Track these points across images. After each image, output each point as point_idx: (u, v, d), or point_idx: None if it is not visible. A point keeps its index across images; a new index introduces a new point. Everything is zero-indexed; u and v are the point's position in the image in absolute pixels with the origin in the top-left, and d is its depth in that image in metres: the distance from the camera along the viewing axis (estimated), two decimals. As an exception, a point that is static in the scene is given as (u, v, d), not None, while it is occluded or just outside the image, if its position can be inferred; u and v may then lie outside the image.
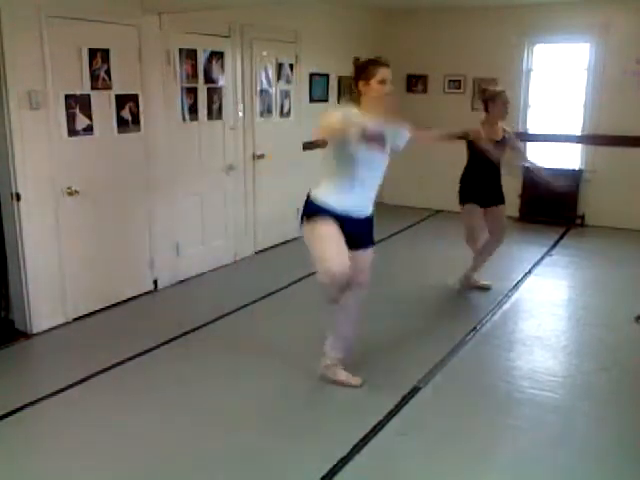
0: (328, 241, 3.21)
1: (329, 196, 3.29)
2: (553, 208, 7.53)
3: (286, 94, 6.50)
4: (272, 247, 6.48)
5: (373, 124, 2.97)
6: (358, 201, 3.34)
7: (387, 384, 3.64)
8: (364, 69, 3.25)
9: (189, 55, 5.26)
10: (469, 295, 5.19)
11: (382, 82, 3.22)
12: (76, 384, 3.65)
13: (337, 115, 3.03)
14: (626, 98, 7.01)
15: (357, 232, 3.34)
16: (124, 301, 4.96)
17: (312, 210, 3.32)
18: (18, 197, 4.17)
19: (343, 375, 3.60)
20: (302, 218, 3.38)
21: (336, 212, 3.25)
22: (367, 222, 3.44)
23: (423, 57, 7.97)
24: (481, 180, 5.11)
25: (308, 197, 3.40)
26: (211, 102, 5.53)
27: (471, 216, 5.12)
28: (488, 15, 7.47)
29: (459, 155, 8.04)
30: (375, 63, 3.26)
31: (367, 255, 3.47)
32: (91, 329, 4.52)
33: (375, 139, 3.00)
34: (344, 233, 3.24)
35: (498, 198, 5.28)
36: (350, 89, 3.40)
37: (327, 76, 7.18)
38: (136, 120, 4.85)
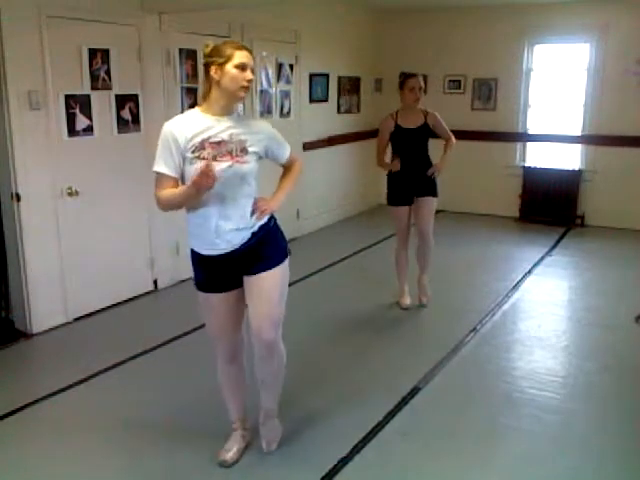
0: None
1: None
2: (553, 208, 7.53)
3: (286, 94, 6.50)
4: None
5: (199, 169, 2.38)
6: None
7: (387, 384, 3.64)
8: (219, 51, 2.53)
9: (189, 55, 5.26)
10: (469, 296, 5.18)
11: (239, 67, 2.51)
12: (76, 384, 3.65)
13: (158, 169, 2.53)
14: (626, 98, 7.01)
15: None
16: (124, 301, 4.96)
17: None
18: (18, 197, 4.17)
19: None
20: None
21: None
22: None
23: (423, 57, 7.96)
24: (406, 170, 4.62)
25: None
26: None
27: (396, 217, 4.79)
28: (488, 15, 7.47)
29: (459, 155, 8.06)
30: (231, 44, 2.57)
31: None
32: (91, 329, 4.52)
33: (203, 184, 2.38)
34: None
35: (426, 189, 4.70)
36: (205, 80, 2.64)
37: (327, 76, 7.19)
38: (136, 120, 4.85)
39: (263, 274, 2.70)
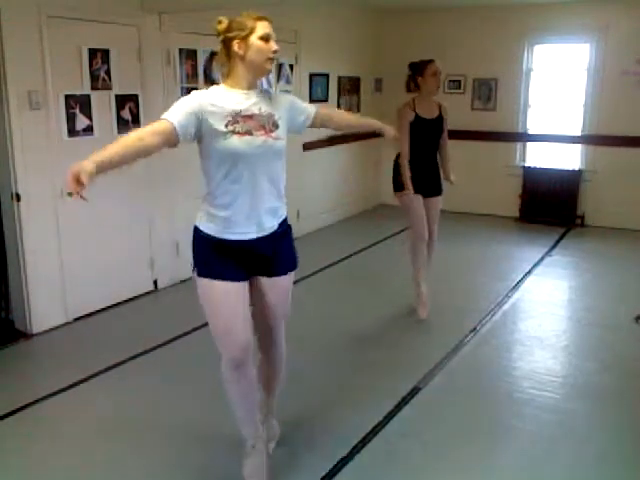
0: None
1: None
2: (553, 208, 7.53)
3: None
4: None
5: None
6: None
7: (387, 385, 3.64)
8: (239, 24, 2.41)
9: (189, 55, 5.26)
10: (469, 296, 5.18)
11: (264, 38, 2.42)
12: (76, 384, 3.65)
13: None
14: (626, 98, 7.01)
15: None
16: (124, 301, 4.96)
17: None
18: (18, 197, 4.17)
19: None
20: None
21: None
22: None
23: (423, 57, 7.92)
24: (418, 166, 4.41)
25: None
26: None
27: (415, 207, 4.47)
28: (488, 15, 7.47)
29: (459, 155, 8.06)
30: (250, 16, 2.45)
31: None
32: (91, 329, 4.52)
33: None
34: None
35: (436, 188, 4.59)
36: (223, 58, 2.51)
37: (327, 76, 7.19)
38: (136, 120, 4.85)
39: (281, 278, 2.62)
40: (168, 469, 2.90)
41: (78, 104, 4.41)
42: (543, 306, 4.95)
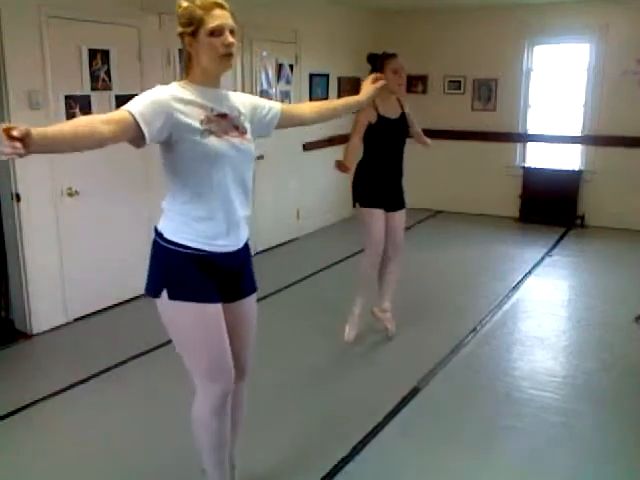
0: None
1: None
2: (553, 208, 7.53)
3: (286, 94, 6.50)
4: (272, 248, 6.48)
5: None
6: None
7: (387, 384, 3.64)
8: (189, 15, 2.03)
9: (189, 55, 5.26)
10: (468, 296, 5.18)
11: (215, 32, 2.01)
12: (76, 384, 3.65)
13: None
14: (626, 98, 7.01)
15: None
16: (124, 301, 4.96)
17: None
18: (18, 197, 4.18)
19: None
20: None
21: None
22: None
23: (423, 57, 7.96)
24: (381, 177, 4.01)
25: None
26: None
27: (377, 224, 4.01)
28: (488, 15, 7.47)
29: (459, 155, 8.07)
30: (201, 2, 2.03)
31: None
32: (91, 329, 4.52)
33: None
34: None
35: (400, 201, 4.14)
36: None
37: (327, 76, 7.19)
38: (136, 120, 4.84)
39: (251, 298, 2.32)
40: (169, 469, 2.89)
41: (78, 104, 4.41)
42: (543, 306, 4.96)
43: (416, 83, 8.14)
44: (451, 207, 8.19)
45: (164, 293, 2.10)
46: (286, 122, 2.43)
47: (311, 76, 6.91)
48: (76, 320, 4.62)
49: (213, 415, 2.23)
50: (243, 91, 5.90)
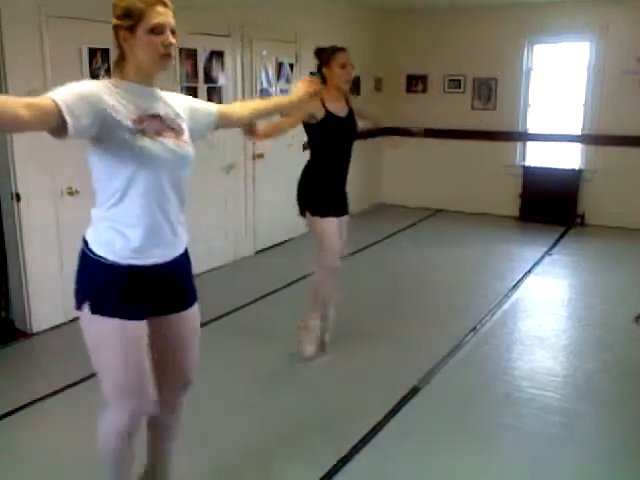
0: None
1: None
2: (553, 208, 7.53)
3: (286, 94, 6.49)
4: (272, 247, 6.49)
5: None
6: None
7: (386, 384, 3.64)
8: (127, 8, 1.92)
9: (189, 55, 5.26)
10: (468, 295, 5.18)
11: (155, 30, 1.91)
12: (76, 384, 3.65)
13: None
14: (626, 97, 7.01)
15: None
16: (124, 301, 4.96)
17: None
18: (18, 197, 4.17)
19: None
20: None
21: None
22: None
23: (423, 57, 7.97)
24: (331, 181, 3.77)
25: None
26: (211, 102, 5.52)
27: (333, 232, 3.70)
28: (488, 14, 7.48)
29: (459, 155, 8.07)
30: None
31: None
32: (91, 329, 4.52)
33: None
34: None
35: (346, 205, 3.89)
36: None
37: (327, 76, 7.18)
38: (136, 120, 4.84)
39: (192, 308, 2.20)
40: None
41: (78, 104, 4.40)
42: (543, 305, 4.96)
43: (416, 82, 8.15)
44: (451, 206, 8.19)
45: (86, 306, 2.02)
46: (223, 123, 2.35)
47: (311, 76, 6.90)
48: (76, 319, 4.60)
49: (118, 440, 2.16)
50: (243, 90, 5.91)
